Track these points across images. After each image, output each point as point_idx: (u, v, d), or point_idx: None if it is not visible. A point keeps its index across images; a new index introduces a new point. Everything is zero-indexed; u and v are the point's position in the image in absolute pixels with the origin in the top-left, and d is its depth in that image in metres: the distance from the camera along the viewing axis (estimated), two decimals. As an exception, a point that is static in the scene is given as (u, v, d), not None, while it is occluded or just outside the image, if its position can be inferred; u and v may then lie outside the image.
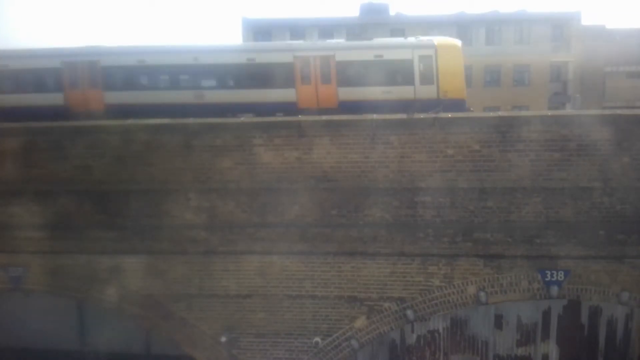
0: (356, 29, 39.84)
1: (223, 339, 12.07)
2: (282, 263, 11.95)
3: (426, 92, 17.42)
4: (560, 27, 40.03)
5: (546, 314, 12.08)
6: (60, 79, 18.43)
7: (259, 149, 11.69)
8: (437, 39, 18.69)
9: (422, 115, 11.63)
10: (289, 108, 17.27)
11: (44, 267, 12.57)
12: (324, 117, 12.09)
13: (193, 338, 12.38)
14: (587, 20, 41.89)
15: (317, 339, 12.04)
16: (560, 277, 11.24)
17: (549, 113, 11.36)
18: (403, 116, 11.64)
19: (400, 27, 38.80)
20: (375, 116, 11.62)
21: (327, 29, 39.86)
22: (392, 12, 42.90)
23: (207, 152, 11.82)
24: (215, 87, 18.19)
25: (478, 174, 11.24)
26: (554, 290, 11.27)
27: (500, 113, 11.65)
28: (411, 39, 19.14)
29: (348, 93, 17.71)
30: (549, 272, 11.26)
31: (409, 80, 17.61)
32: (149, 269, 12.28)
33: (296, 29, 40.47)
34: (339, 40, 20.71)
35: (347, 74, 17.86)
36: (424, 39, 18.97)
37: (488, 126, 11.20)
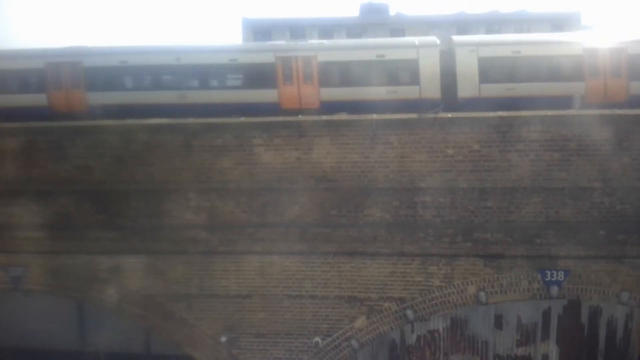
0: (356, 29, 39.92)
1: (223, 339, 12.07)
2: (282, 263, 11.94)
3: None
4: (560, 27, 39.96)
5: (546, 314, 12.07)
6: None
7: (259, 149, 11.69)
8: None
9: (422, 115, 11.63)
10: None
11: (44, 267, 12.57)
12: (324, 117, 12.09)
13: (193, 338, 12.37)
14: (586, 20, 41.89)
15: (317, 339, 12.03)
16: (560, 277, 11.24)
17: (549, 113, 11.33)
18: (403, 116, 11.64)
19: (400, 27, 38.83)
20: (375, 116, 11.61)
21: (327, 29, 39.92)
22: (392, 12, 42.96)
23: (207, 152, 11.82)
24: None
25: (478, 174, 11.24)
26: (554, 290, 11.26)
27: (500, 113, 11.61)
28: None
29: None
30: (549, 272, 11.25)
31: None
32: (149, 269, 12.27)
33: (296, 29, 40.47)
34: None
35: None
36: None
37: (488, 126, 11.20)
